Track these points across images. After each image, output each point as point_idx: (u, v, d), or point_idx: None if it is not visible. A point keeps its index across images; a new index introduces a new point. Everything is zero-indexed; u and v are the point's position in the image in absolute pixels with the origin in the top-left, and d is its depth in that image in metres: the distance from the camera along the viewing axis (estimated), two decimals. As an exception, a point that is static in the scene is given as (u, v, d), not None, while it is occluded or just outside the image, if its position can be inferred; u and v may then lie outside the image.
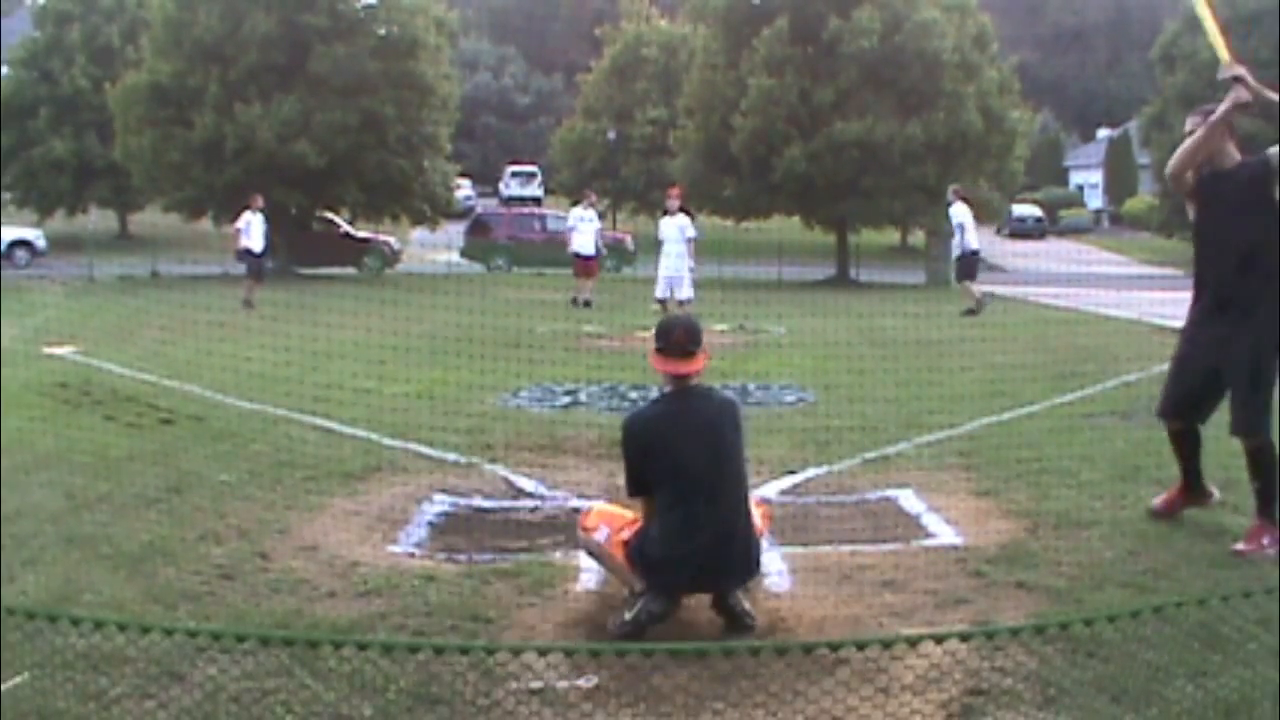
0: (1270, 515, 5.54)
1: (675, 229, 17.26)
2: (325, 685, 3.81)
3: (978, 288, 19.64)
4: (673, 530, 4.44)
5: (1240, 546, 5.47)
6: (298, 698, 3.74)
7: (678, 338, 4.57)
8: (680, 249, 17.12)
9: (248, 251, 20.43)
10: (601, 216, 23.57)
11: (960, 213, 19.93)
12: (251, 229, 20.48)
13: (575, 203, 23.58)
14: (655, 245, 17.87)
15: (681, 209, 17.75)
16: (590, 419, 9.07)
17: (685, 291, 16.99)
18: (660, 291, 17.20)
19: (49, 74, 39.16)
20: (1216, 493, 6.05)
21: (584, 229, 21.50)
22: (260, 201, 21.28)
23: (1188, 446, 5.95)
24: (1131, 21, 78.15)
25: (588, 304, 20.25)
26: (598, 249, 21.80)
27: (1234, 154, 5.77)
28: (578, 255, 21.29)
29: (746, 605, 4.56)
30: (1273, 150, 5.57)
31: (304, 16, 30.72)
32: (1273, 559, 5.24)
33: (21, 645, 3.93)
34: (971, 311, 18.33)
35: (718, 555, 4.43)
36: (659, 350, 4.59)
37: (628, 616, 4.46)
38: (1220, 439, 7.89)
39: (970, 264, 20.04)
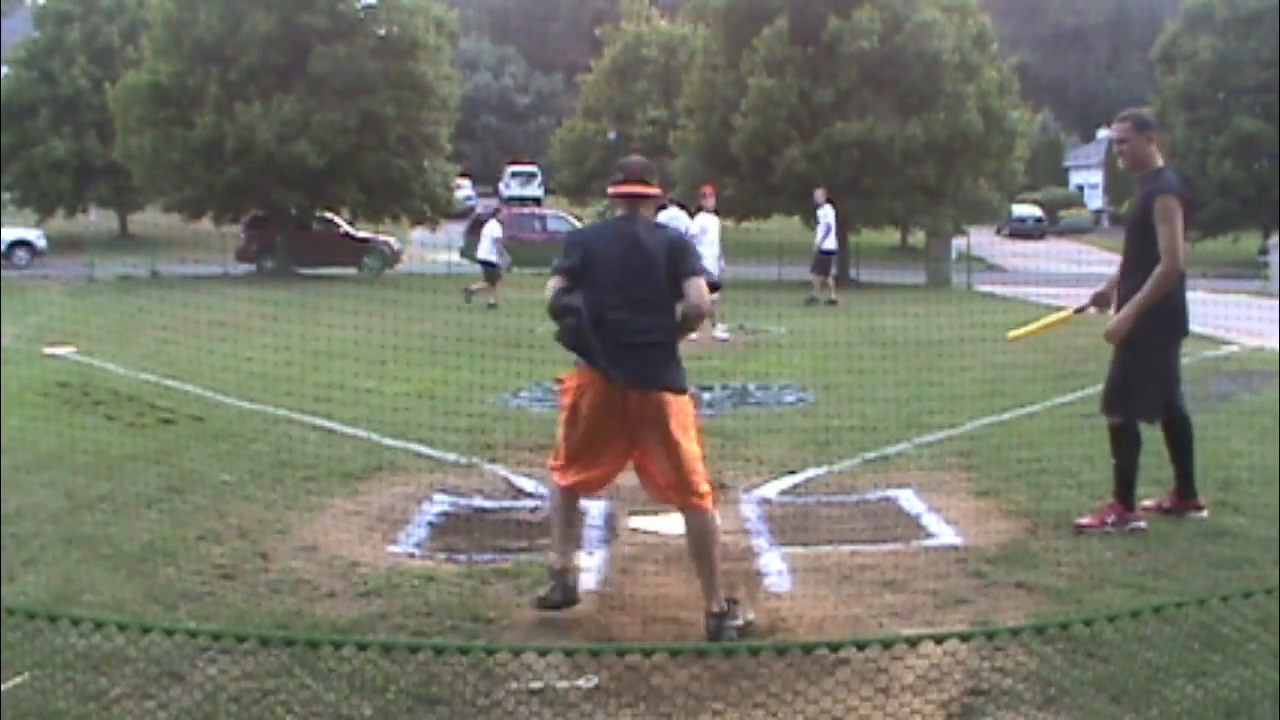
0: (1122, 498, 5.82)
1: (714, 227, 16.95)
2: (325, 685, 3.81)
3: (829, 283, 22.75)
4: (584, 317, 4.61)
5: (1083, 521, 5.81)
6: (298, 698, 3.74)
7: (634, 168, 4.89)
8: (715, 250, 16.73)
9: (485, 261, 21.91)
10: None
11: (829, 214, 22.36)
12: (489, 237, 22.03)
13: (661, 207, 23.70)
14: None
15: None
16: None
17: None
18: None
19: (49, 74, 39.13)
20: (1205, 510, 6.09)
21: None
22: (505, 212, 22.72)
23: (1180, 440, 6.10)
24: (1131, 21, 78.13)
25: None
26: None
27: (1155, 162, 5.92)
28: None
29: (733, 623, 4.50)
30: (1169, 181, 5.81)
31: (304, 16, 30.69)
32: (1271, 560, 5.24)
33: (21, 645, 3.93)
34: (815, 300, 21.85)
35: (619, 356, 4.56)
36: (617, 181, 4.87)
37: (541, 593, 4.68)
38: (1221, 439, 7.93)
39: (826, 261, 22.78)
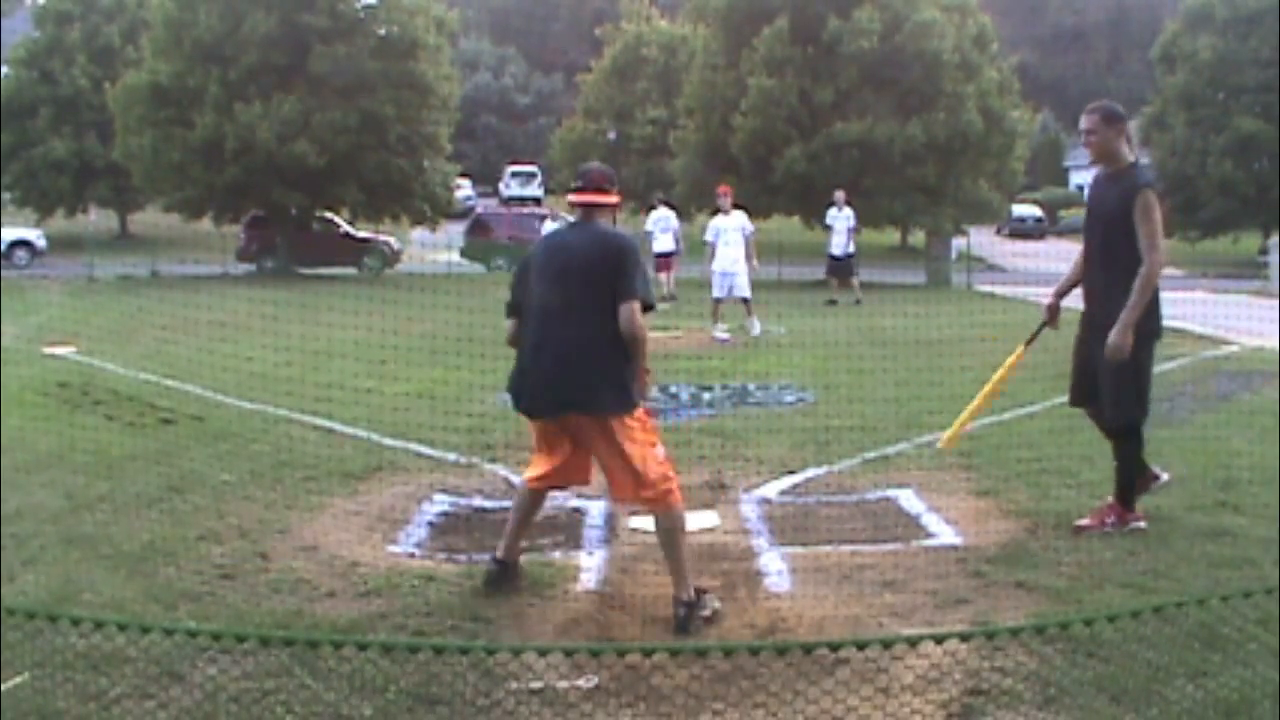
0: (1123, 499, 5.82)
1: (733, 227, 16.44)
2: (325, 685, 3.81)
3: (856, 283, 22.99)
4: (525, 348, 4.78)
5: (1082, 522, 5.81)
6: (298, 698, 3.74)
7: (594, 176, 4.95)
8: (739, 250, 16.18)
9: None
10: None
11: (850, 216, 22.79)
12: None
13: (651, 208, 23.97)
14: (706, 244, 17.12)
15: (736, 205, 16.92)
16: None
17: (745, 290, 16.18)
18: (718, 291, 16.33)
19: (49, 74, 39.15)
20: (1164, 474, 6.15)
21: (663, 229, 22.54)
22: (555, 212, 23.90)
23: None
24: (1131, 21, 78.15)
25: (673, 298, 20.95)
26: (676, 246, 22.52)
27: (1126, 155, 5.87)
28: (657, 254, 22.25)
29: (701, 613, 4.61)
30: (1147, 177, 5.78)
31: (304, 16, 30.69)
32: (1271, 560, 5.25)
33: (21, 645, 3.94)
34: (833, 302, 21.89)
35: (556, 377, 4.68)
36: (576, 189, 4.92)
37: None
38: (1221, 439, 7.93)
39: (850, 265, 23.09)
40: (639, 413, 4.75)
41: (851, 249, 23.12)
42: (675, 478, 4.80)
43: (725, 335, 15.54)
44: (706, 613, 4.62)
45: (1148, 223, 5.63)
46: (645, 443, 4.71)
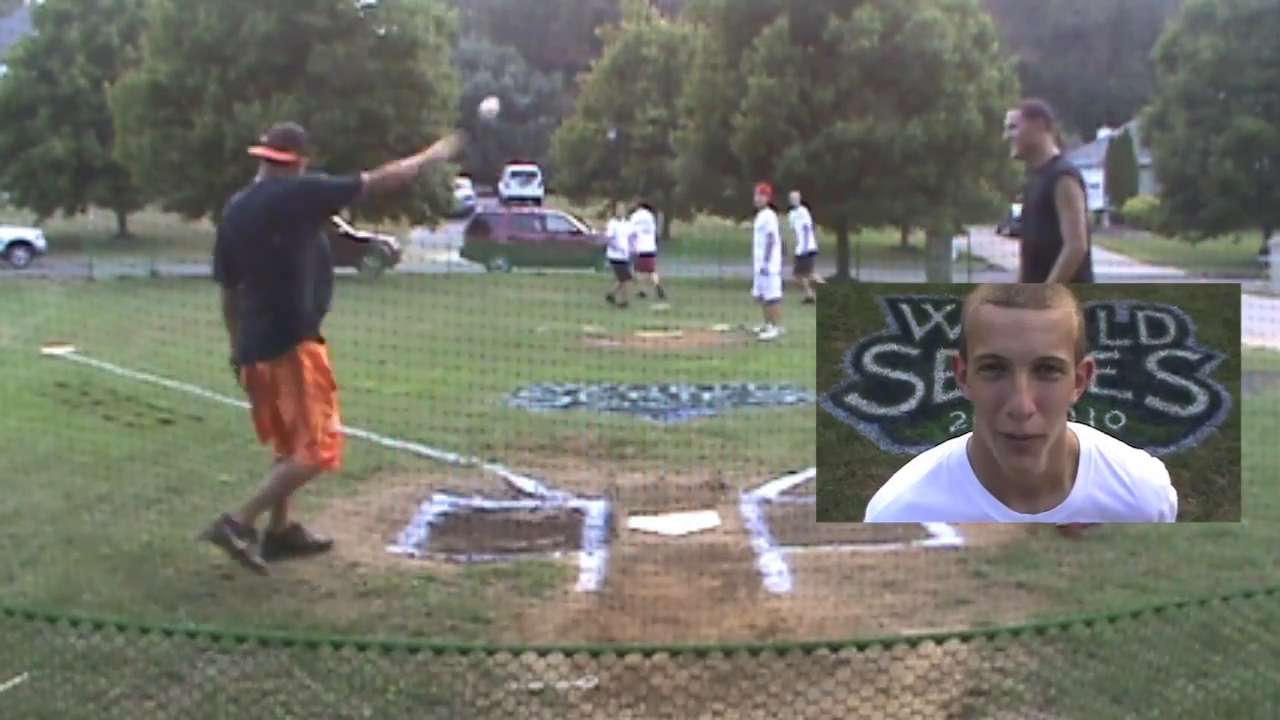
0: None
1: (757, 227, 16.47)
2: (325, 686, 3.81)
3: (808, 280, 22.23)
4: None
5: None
6: (297, 698, 3.74)
7: (277, 134, 5.36)
8: (759, 250, 16.20)
9: (617, 261, 22.42)
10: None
11: (804, 215, 22.34)
12: (620, 234, 22.78)
13: (633, 210, 24.29)
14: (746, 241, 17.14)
15: (770, 204, 16.56)
16: (590, 419, 9.06)
17: (771, 291, 16.11)
18: (755, 290, 16.46)
19: (48, 74, 39.12)
20: None
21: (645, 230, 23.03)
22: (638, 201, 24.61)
23: None
24: (1132, 21, 78.14)
25: (643, 295, 21.73)
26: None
27: (1049, 150, 5.95)
28: (642, 254, 22.76)
29: (235, 538, 4.96)
30: (1067, 165, 5.86)
31: (303, 16, 30.69)
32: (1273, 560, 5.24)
33: (21, 645, 3.93)
34: (810, 300, 21.19)
35: (242, 330, 5.26)
36: (264, 143, 5.32)
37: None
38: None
39: (809, 263, 22.46)
40: (296, 362, 5.08)
41: (812, 246, 22.78)
42: (331, 442, 5.13)
43: (769, 334, 15.49)
44: (241, 545, 4.91)
45: (1069, 209, 5.70)
46: (298, 396, 5.06)
